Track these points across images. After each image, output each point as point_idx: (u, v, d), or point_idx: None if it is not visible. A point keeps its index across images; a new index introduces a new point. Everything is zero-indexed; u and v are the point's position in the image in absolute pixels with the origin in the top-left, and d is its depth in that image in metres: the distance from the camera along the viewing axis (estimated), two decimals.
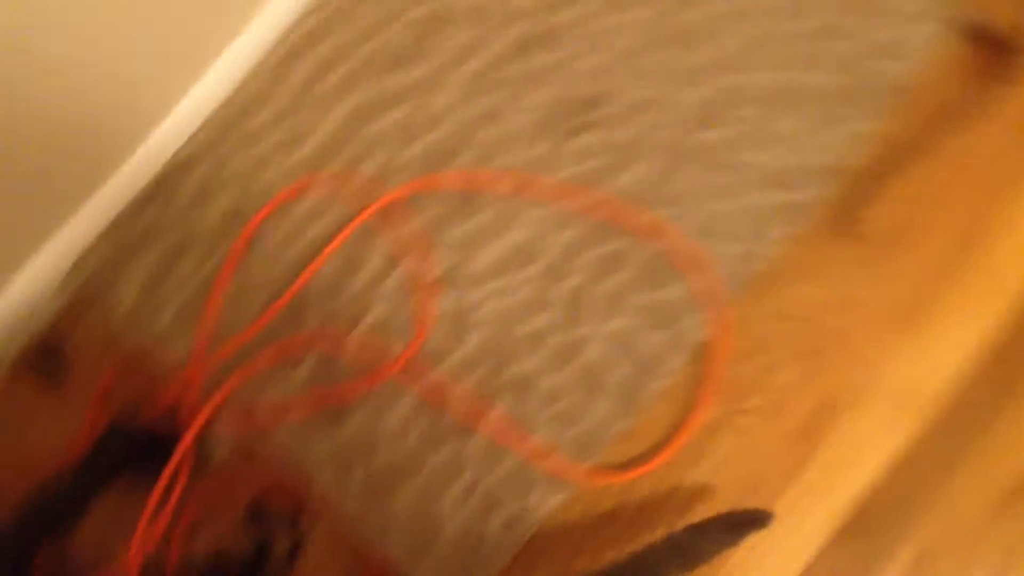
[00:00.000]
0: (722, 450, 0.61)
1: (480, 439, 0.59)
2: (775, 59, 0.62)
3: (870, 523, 0.60)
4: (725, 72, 0.62)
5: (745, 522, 0.54)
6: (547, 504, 0.58)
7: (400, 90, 0.64)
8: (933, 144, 0.63)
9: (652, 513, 0.60)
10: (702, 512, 0.60)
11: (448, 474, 0.59)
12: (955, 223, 0.62)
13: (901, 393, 0.62)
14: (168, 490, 0.60)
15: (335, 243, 0.61)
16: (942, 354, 0.61)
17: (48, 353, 0.65)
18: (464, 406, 0.59)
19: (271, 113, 0.63)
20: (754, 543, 0.60)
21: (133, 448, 0.58)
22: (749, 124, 0.62)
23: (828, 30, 0.63)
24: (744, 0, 0.63)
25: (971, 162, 0.63)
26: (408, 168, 0.63)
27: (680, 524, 0.60)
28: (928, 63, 0.63)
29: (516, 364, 0.60)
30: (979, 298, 0.61)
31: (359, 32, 0.64)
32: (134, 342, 0.64)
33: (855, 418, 0.62)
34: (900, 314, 0.62)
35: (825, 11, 0.63)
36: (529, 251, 0.61)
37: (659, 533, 0.60)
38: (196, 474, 0.62)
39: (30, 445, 0.65)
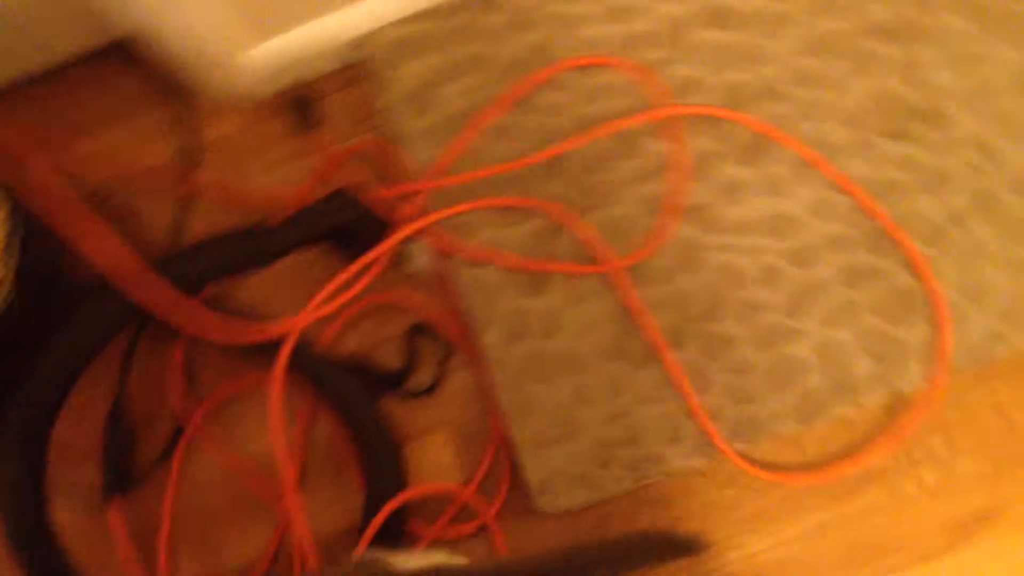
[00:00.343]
0: (871, 503, 0.60)
1: (654, 372, 0.59)
2: None
3: None
4: None
5: (682, 546, 0.53)
6: (682, 463, 0.59)
7: (742, 15, 0.63)
8: None
9: (761, 521, 0.60)
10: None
11: (608, 390, 0.59)
12: None
13: None
14: (355, 277, 0.62)
15: (613, 126, 0.61)
16: None
17: (306, 102, 0.68)
18: (654, 335, 0.59)
19: None
20: None
21: (348, 221, 0.60)
22: None
23: None
24: None
25: None
26: (712, 91, 0.62)
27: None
28: None
29: (721, 323, 0.59)
30: None
31: None
32: (387, 129, 0.66)
33: (1014, 540, 0.59)
34: None
35: None
36: (788, 226, 0.60)
37: (746, 543, 0.60)
38: (384, 275, 0.64)
39: (253, 178, 0.68)
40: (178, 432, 0.66)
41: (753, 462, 0.60)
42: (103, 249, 0.59)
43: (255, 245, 0.60)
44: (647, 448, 0.59)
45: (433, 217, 0.63)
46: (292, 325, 0.60)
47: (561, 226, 0.62)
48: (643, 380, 0.60)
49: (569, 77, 0.64)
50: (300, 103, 0.69)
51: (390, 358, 0.66)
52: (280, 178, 0.69)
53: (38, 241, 0.61)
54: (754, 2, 0.63)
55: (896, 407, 0.60)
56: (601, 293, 0.61)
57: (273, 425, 0.60)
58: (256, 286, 0.67)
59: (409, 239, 0.64)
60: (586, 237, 0.61)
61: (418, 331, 0.65)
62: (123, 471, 0.65)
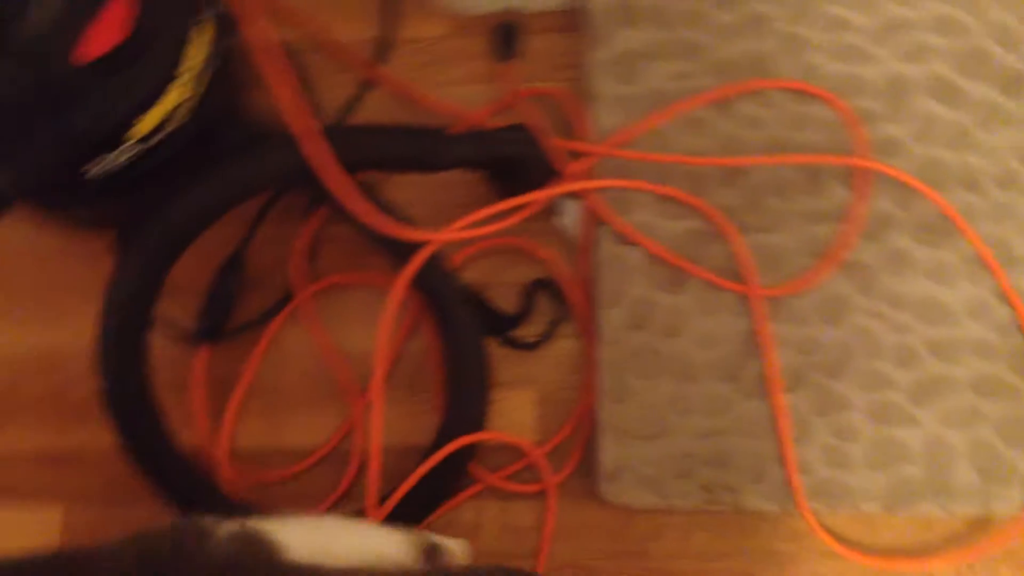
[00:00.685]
0: None
1: (759, 407, 0.60)
2: None
3: None
4: None
5: None
6: (755, 503, 0.60)
7: (969, 98, 0.63)
8: None
9: None
10: None
11: (709, 407, 0.60)
12: None
13: None
14: (506, 212, 0.63)
15: (808, 159, 0.62)
16: None
17: (511, 32, 0.69)
18: (773, 372, 0.59)
19: (868, 22, 0.63)
20: None
21: (520, 156, 0.61)
22: None
23: None
24: None
25: None
26: (911, 160, 0.63)
27: None
28: None
29: (842, 383, 0.60)
30: None
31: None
32: (583, 85, 0.66)
33: None
34: None
35: None
36: (940, 315, 0.60)
37: None
38: (529, 220, 0.64)
39: (434, 88, 0.69)
40: (283, 301, 0.67)
41: (824, 527, 0.60)
42: (289, 101, 0.60)
43: (429, 147, 0.61)
44: (727, 476, 0.60)
45: (599, 183, 0.63)
46: (434, 236, 0.61)
47: (718, 235, 0.63)
48: (746, 410, 0.60)
49: (780, 97, 0.64)
50: (505, 31, 0.69)
51: (502, 301, 0.66)
52: (459, 96, 0.70)
53: (227, 79, 0.63)
54: (984, 91, 0.63)
55: (980, 524, 0.60)
56: (735, 312, 0.61)
57: (384, 324, 0.61)
58: (403, 188, 0.68)
59: (568, 195, 0.65)
60: (739, 253, 0.62)
61: (541, 285, 0.66)
62: (219, 321, 0.66)
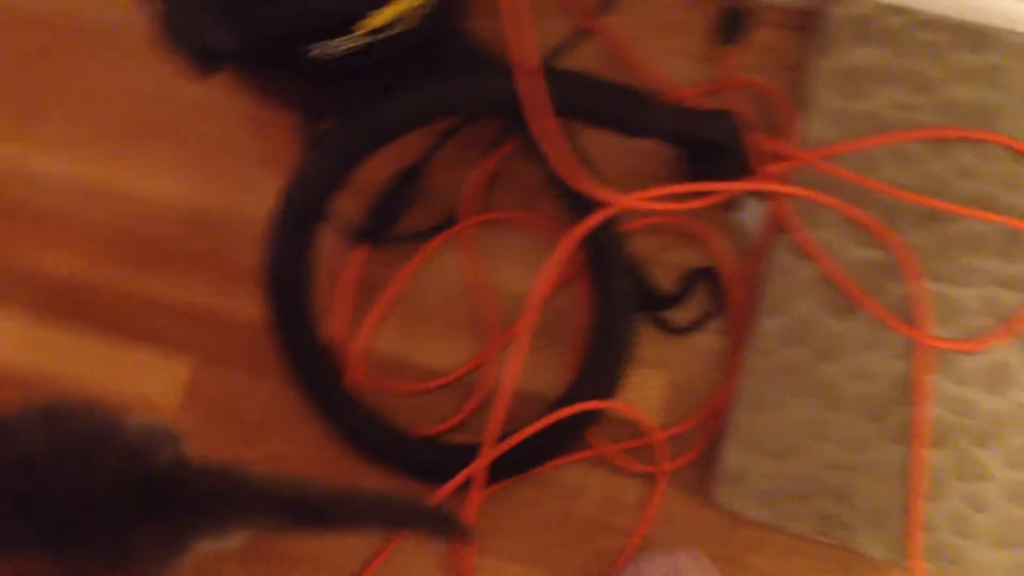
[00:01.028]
0: None
1: (898, 454, 0.59)
2: None
3: None
4: None
5: (450, 526, 0.53)
6: (867, 547, 0.60)
7: None
8: None
9: None
10: None
11: (847, 440, 0.60)
12: None
13: None
14: (692, 195, 0.63)
15: (1016, 223, 0.60)
16: None
17: (739, 17, 0.68)
18: (921, 424, 0.58)
19: None
20: None
21: (720, 143, 0.61)
22: None
23: None
24: None
25: None
26: None
27: None
28: None
29: (988, 452, 0.59)
30: None
31: None
32: (800, 89, 0.66)
33: None
34: None
35: None
36: None
37: None
38: (709, 208, 0.64)
39: (648, 54, 0.69)
40: (448, 223, 0.68)
41: None
42: (517, 33, 0.61)
43: (637, 111, 0.61)
44: (847, 512, 0.59)
45: (794, 190, 0.63)
46: (618, 199, 0.62)
47: (899, 273, 0.62)
48: (884, 454, 0.60)
49: (1001, 153, 0.62)
50: (734, 15, 0.69)
51: (659, 280, 0.66)
52: (670, 67, 0.70)
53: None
54: None
55: None
56: (897, 355, 0.61)
57: (547, 271, 0.62)
58: (594, 144, 0.68)
59: (754, 194, 0.64)
60: (917, 297, 0.61)
61: (703, 274, 0.66)
62: (384, 227, 0.68)
